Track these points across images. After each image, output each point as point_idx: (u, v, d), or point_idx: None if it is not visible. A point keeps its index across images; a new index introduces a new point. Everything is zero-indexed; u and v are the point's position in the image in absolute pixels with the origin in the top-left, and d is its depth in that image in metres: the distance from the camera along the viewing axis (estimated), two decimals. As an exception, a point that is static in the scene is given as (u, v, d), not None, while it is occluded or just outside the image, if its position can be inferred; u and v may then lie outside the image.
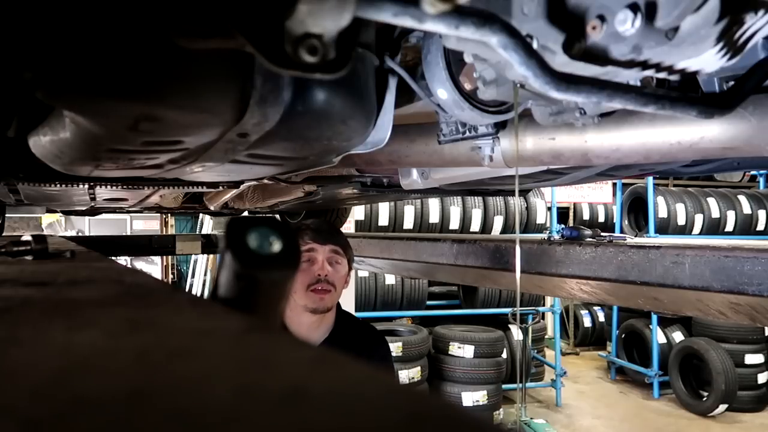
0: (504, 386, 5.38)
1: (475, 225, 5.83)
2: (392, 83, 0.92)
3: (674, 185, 7.71)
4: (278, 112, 0.69)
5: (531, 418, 4.85)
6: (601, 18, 0.60)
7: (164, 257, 7.91)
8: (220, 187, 2.08)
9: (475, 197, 5.77)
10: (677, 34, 0.59)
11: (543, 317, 6.49)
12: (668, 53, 0.62)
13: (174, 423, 0.20)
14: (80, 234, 7.44)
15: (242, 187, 2.03)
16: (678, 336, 6.31)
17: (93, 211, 2.95)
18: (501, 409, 5.23)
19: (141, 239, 3.83)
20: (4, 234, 2.73)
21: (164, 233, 7.70)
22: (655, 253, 1.06)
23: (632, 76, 0.69)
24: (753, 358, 5.80)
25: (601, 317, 7.89)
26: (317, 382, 0.24)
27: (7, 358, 0.27)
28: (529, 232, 5.75)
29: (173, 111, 0.66)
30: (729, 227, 6.78)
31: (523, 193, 4.69)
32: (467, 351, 5.17)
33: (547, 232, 1.58)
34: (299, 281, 1.51)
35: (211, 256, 6.72)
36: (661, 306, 1.29)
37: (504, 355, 5.41)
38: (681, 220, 6.56)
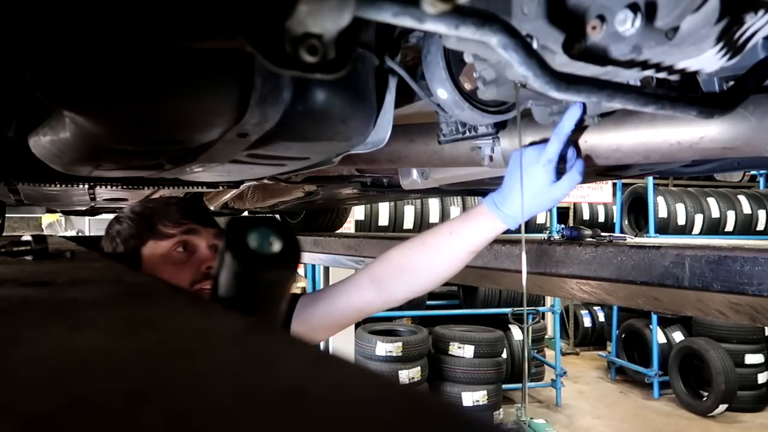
0: (504, 386, 5.38)
1: (475, 225, 5.81)
2: (392, 83, 0.92)
3: (674, 185, 7.70)
4: (278, 112, 0.69)
5: (531, 418, 4.85)
6: (601, 18, 0.60)
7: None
8: (220, 187, 2.08)
9: (475, 197, 5.76)
10: (677, 34, 0.59)
11: (543, 317, 6.49)
12: (668, 53, 0.62)
13: (174, 423, 0.20)
14: (80, 234, 7.44)
15: (242, 187, 2.03)
16: (678, 336, 6.31)
17: (93, 211, 2.95)
18: (501, 409, 5.23)
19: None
20: (4, 234, 2.73)
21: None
22: (655, 253, 1.06)
23: (632, 76, 0.69)
24: (753, 358, 5.80)
25: (601, 317, 7.89)
26: (317, 382, 0.24)
27: (7, 358, 0.27)
28: (529, 232, 5.72)
29: (173, 111, 0.66)
30: (729, 227, 6.77)
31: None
32: (467, 351, 5.17)
33: (547, 232, 1.57)
34: (181, 277, 1.08)
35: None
36: (661, 306, 1.29)
37: (504, 355, 5.41)
38: (681, 220, 6.56)
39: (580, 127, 0.97)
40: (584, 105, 0.90)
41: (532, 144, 1.01)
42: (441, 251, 1.10)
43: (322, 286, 5.37)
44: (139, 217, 1.12)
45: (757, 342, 5.85)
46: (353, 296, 1.16)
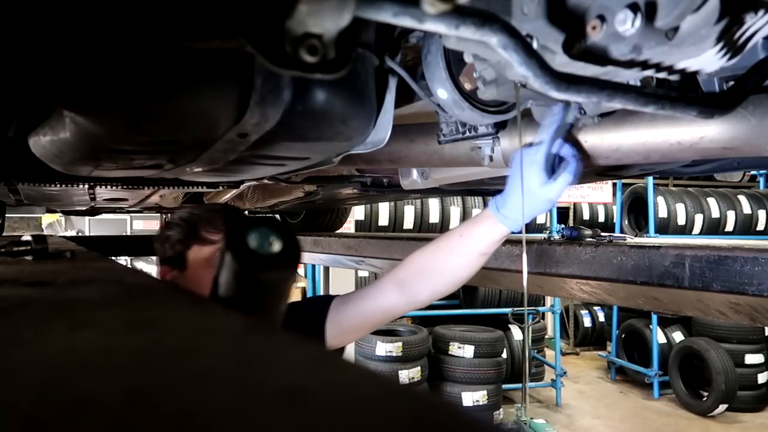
0: (504, 386, 5.38)
1: (475, 225, 5.81)
2: (392, 83, 0.92)
3: (674, 185, 7.70)
4: (278, 112, 0.69)
5: (531, 418, 4.85)
6: (601, 18, 0.60)
7: (164, 257, 7.88)
8: (220, 187, 2.08)
9: (475, 197, 5.77)
10: (677, 34, 0.59)
11: (543, 317, 6.49)
12: (668, 53, 0.62)
13: (174, 423, 0.20)
14: (80, 234, 7.43)
15: (242, 187, 2.03)
16: (678, 336, 6.31)
17: (93, 211, 2.95)
18: (501, 409, 5.23)
19: (141, 239, 3.83)
20: (4, 234, 2.73)
21: (164, 233, 7.67)
22: (655, 253, 1.06)
23: (632, 76, 0.69)
24: (753, 358, 5.79)
25: (601, 317, 7.89)
26: (317, 382, 0.24)
27: (7, 358, 0.27)
28: (529, 232, 5.70)
29: (173, 111, 0.66)
30: (729, 227, 6.77)
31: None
32: (467, 351, 5.17)
33: (547, 232, 1.57)
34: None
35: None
36: (661, 306, 1.29)
37: (504, 355, 5.40)
38: (681, 220, 6.55)
39: (571, 127, 0.97)
40: (568, 104, 0.90)
41: (530, 145, 1.02)
42: (454, 254, 1.15)
43: (322, 286, 5.38)
44: (185, 223, 1.18)
45: (757, 342, 5.85)
46: (379, 298, 1.23)
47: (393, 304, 1.22)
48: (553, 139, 0.97)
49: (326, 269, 5.40)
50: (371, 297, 1.25)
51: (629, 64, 0.64)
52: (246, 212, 3.10)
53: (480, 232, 1.12)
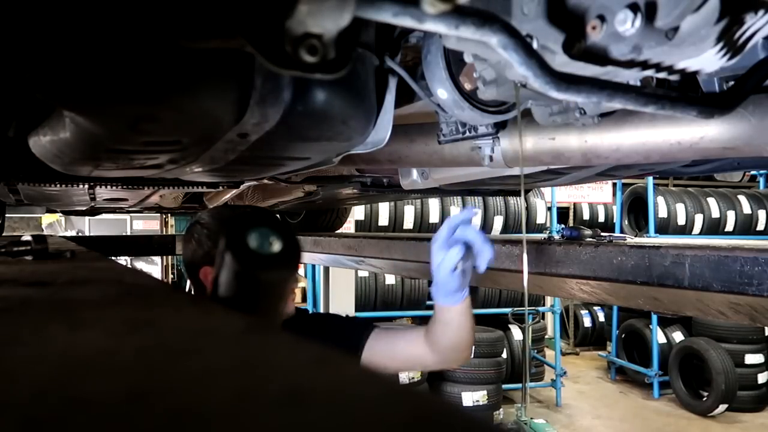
0: (504, 386, 5.38)
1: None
2: (392, 83, 0.92)
3: (674, 185, 7.70)
4: (278, 112, 0.69)
5: (531, 418, 4.85)
6: (601, 18, 0.60)
7: (164, 257, 7.91)
8: (220, 187, 2.08)
9: (475, 197, 5.76)
10: (677, 34, 0.59)
11: (543, 317, 6.49)
12: (668, 53, 0.62)
13: (174, 423, 0.20)
14: (80, 234, 7.43)
15: (242, 187, 2.03)
16: (678, 336, 6.31)
17: (93, 211, 2.95)
18: (501, 409, 5.23)
19: (141, 239, 3.84)
20: (4, 234, 2.73)
21: (164, 233, 7.70)
22: (655, 253, 1.06)
23: (632, 76, 0.69)
24: (753, 358, 5.80)
25: (601, 317, 7.89)
26: (317, 382, 0.24)
27: (7, 358, 0.27)
28: (529, 232, 5.72)
29: (173, 111, 0.66)
30: (729, 227, 6.77)
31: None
32: (467, 351, 5.16)
33: (547, 232, 1.57)
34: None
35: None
36: (661, 306, 1.29)
37: (504, 355, 5.40)
38: (681, 220, 6.55)
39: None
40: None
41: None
42: (433, 322, 1.25)
43: (322, 286, 5.38)
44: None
45: (757, 342, 5.85)
46: (411, 342, 1.31)
47: (420, 354, 1.28)
48: (450, 228, 1.10)
49: (326, 269, 5.40)
50: (405, 338, 1.33)
51: (629, 64, 0.64)
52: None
53: (436, 304, 1.21)
